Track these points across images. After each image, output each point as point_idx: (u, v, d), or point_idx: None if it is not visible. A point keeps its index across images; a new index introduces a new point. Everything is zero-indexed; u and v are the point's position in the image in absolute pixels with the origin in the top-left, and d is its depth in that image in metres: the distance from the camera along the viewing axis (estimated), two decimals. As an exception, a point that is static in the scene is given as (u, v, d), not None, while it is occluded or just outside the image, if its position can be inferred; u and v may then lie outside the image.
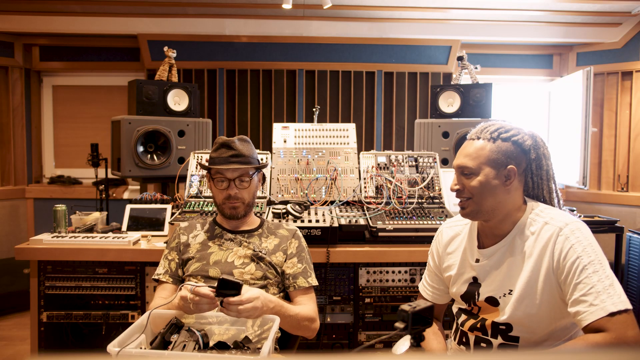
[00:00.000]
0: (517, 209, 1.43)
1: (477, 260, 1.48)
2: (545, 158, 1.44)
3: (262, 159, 2.58)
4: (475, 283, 1.47)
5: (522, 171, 1.42)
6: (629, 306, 1.21)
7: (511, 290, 1.38)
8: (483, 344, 1.43)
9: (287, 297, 1.79)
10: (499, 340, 1.41)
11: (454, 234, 1.60)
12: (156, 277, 1.78)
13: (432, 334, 1.59)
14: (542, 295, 1.33)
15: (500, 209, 1.41)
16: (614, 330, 1.19)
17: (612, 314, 1.19)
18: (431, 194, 2.49)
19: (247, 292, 1.44)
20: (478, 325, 1.44)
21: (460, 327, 1.50)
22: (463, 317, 1.51)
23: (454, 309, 1.58)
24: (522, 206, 1.44)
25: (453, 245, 1.58)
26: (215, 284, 1.38)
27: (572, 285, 1.26)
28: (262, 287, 1.69)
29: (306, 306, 1.71)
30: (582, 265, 1.26)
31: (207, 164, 1.82)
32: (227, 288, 1.38)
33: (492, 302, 1.42)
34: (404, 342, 1.52)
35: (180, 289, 1.45)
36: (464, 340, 1.50)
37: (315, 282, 1.78)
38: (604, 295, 1.22)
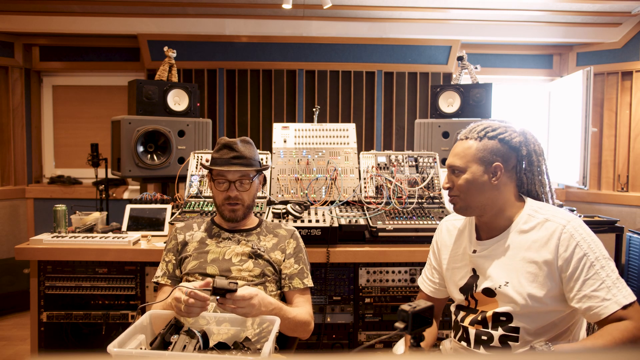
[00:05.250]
0: (511, 205, 1.47)
1: (474, 252, 1.51)
2: (536, 154, 1.48)
3: (262, 160, 2.58)
4: (474, 275, 1.50)
5: (512, 168, 1.46)
6: (635, 297, 1.29)
7: (507, 282, 1.41)
8: (484, 336, 1.44)
9: (283, 296, 1.79)
10: (500, 332, 1.42)
11: (454, 228, 1.63)
12: (155, 280, 1.79)
13: (428, 332, 1.59)
14: (542, 287, 1.36)
15: (491, 205, 1.45)
16: (634, 318, 1.25)
17: (625, 307, 1.26)
18: (431, 194, 2.49)
19: (245, 290, 1.44)
20: (479, 319, 1.46)
21: (461, 323, 1.52)
22: (462, 313, 1.53)
23: (453, 307, 1.60)
24: (517, 203, 1.48)
25: (452, 239, 1.62)
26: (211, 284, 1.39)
27: (581, 281, 1.31)
28: (260, 284, 1.70)
29: (302, 309, 1.71)
30: (589, 262, 1.31)
31: (208, 163, 1.82)
32: (222, 291, 1.38)
33: (489, 293, 1.45)
34: (400, 345, 1.52)
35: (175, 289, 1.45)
36: (464, 336, 1.51)
37: (310, 284, 1.78)
38: (614, 289, 1.28)
